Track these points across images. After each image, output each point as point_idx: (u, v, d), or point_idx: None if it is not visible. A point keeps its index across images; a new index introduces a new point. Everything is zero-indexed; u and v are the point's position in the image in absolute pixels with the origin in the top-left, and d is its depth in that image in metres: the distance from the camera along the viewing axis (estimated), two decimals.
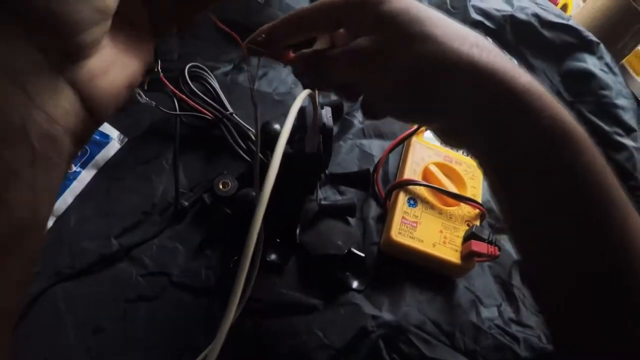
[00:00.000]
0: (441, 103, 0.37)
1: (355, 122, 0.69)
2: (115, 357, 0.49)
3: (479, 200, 0.62)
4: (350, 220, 0.61)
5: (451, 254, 0.57)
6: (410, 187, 0.60)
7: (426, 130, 0.66)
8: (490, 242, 0.57)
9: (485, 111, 0.36)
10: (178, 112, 0.62)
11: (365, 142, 0.68)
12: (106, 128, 0.62)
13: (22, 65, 0.26)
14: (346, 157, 0.66)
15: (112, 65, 0.31)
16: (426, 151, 0.64)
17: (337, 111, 0.68)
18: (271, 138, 0.58)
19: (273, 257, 0.56)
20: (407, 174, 0.61)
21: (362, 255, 0.58)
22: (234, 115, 0.63)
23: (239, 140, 0.63)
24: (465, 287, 0.61)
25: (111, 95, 0.31)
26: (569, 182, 0.35)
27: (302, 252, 0.58)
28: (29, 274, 0.30)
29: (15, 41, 0.25)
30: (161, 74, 0.58)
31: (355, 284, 0.57)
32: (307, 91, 0.44)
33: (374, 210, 0.62)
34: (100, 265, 0.53)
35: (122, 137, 0.62)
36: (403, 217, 0.58)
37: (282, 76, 0.73)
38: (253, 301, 0.53)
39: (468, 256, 0.57)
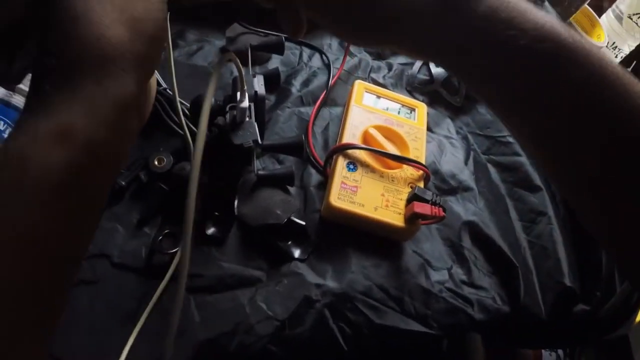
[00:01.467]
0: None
1: (293, 90, 0.67)
2: (58, 341, 0.46)
3: (423, 161, 0.60)
4: (291, 189, 0.59)
5: (394, 217, 0.55)
6: (350, 151, 0.58)
7: (364, 94, 0.65)
8: (434, 203, 0.55)
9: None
10: None
11: (303, 109, 0.66)
12: None
13: (135, 92, 0.31)
14: (284, 125, 0.64)
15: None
16: (366, 115, 0.62)
17: (273, 80, 0.66)
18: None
19: (212, 230, 0.54)
20: (346, 139, 0.59)
21: (303, 223, 0.56)
22: (167, 90, 0.61)
23: (173, 116, 0.60)
24: (413, 251, 0.59)
25: (151, 101, 0.40)
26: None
27: (242, 223, 0.56)
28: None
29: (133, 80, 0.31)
30: None
31: (297, 253, 0.55)
32: (226, 56, 0.42)
33: (314, 178, 0.60)
34: None
35: None
36: (342, 182, 0.56)
37: (217, 50, 0.70)
38: (194, 277, 0.51)
39: (412, 218, 0.55)
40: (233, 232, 0.55)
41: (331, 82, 0.67)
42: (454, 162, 0.66)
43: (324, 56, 0.73)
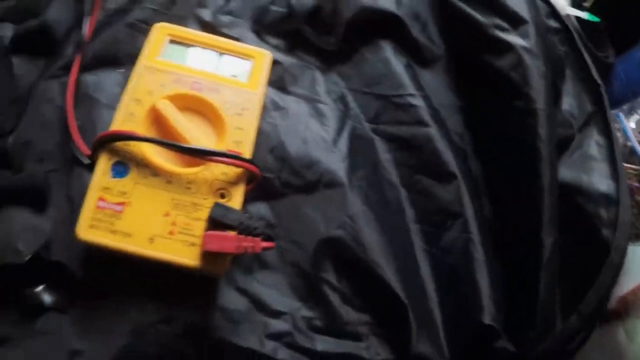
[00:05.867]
0: None
1: (69, 49, 0.45)
2: None
3: (248, 149, 0.39)
4: (54, 198, 0.39)
5: (183, 251, 0.35)
6: (120, 144, 0.37)
7: (165, 44, 0.42)
8: (246, 231, 0.34)
9: None
10: None
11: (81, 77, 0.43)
12: None
13: None
14: (47, 106, 0.42)
15: None
16: (160, 78, 0.40)
17: (40, 38, 0.44)
18: None
19: None
20: (119, 122, 0.38)
21: (57, 259, 0.37)
22: None
23: None
24: (236, 288, 0.38)
25: None
26: None
27: None
28: None
29: None
30: None
31: (50, 300, 0.37)
32: None
33: (86, 180, 0.39)
34: None
35: None
36: (100, 198, 0.35)
37: None
38: None
39: (212, 255, 0.34)
40: None
41: (86, 30, 0.44)
42: (316, 140, 0.44)
43: None
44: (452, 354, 0.38)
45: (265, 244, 0.35)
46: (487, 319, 0.38)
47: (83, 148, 0.39)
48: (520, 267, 0.41)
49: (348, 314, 0.40)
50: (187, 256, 0.35)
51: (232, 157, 0.37)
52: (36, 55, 0.44)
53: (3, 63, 0.40)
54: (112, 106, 0.41)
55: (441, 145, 0.44)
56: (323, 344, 0.38)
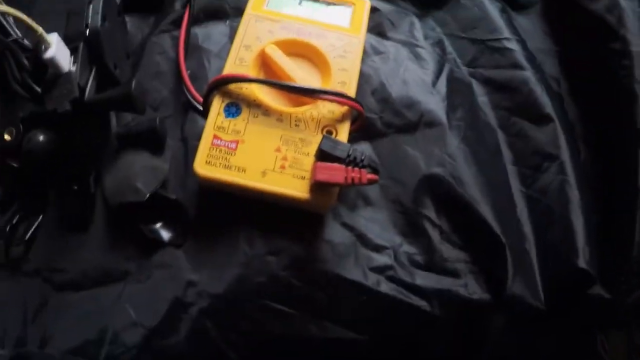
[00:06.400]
0: None
1: (177, 4, 0.48)
2: None
3: (352, 89, 0.40)
4: (168, 144, 0.42)
5: (293, 183, 0.37)
6: (232, 87, 0.39)
7: None
8: (353, 162, 0.36)
9: None
10: None
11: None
12: None
13: None
14: (160, 57, 0.46)
15: None
16: (267, 26, 0.42)
17: None
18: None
19: (70, 210, 0.41)
20: (230, 67, 0.40)
21: (173, 197, 0.40)
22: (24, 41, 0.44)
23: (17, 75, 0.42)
24: (341, 224, 0.40)
25: None
26: None
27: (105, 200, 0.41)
28: None
29: None
30: None
31: (168, 237, 0.40)
32: None
33: (199, 125, 0.42)
34: None
35: None
36: (215, 137, 0.38)
37: None
38: (55, 272, 0.39)
39: (321, 187, 0.36)
40: (99, 212, 0.41)
41: None
42: (416, 82, 0.45)
43: None
44: (547, 297, 0.38)
45: (370, 176, 0.36)
46: (581, 263, 0.37)
47: (195, 94, 0.42)
48: (615, 212, 0.40)
49: (447, 250, 0.40)
50: (298, 189, 0.36)
51: (338, 95, 0.38)
52: (146, 12, 0.48)
53: (117, 21, 0.43)
54: (220, 55, 0.44)
55: (537, 88, 0.44)
56: (423, 279, 0.39)
